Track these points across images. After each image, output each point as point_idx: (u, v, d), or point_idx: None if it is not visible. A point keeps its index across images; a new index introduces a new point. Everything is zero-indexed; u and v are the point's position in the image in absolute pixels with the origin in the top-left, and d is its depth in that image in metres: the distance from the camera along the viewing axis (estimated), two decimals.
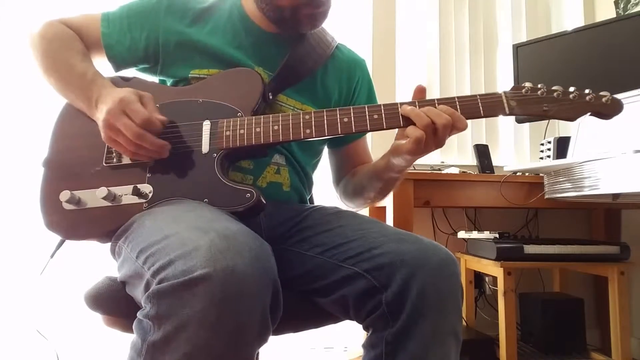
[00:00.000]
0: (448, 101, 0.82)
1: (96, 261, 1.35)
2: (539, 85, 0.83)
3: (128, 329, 0.80)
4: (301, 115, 0.85)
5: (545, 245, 1.68)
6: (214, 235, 0.61)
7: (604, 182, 1.36)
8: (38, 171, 0.90)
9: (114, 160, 0.87)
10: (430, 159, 2.07)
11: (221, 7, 1.02)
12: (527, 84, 0.84)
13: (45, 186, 0.88)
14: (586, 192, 1.42)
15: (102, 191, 0.82)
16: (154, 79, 1.01)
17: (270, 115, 0.85)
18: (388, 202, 1.59)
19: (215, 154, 0.84)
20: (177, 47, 0.96)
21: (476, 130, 2.26)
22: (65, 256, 0.91)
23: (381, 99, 0.95)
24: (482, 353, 1.78)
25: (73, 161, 0.89)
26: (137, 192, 0.83)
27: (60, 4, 1.76)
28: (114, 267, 0.83)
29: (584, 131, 1.49)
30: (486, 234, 1.85)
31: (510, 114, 0.83)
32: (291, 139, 0.84)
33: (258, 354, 0.90)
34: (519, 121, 1.98)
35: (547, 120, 2.05)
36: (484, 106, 0.82)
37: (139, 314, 0.62)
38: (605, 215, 2.09)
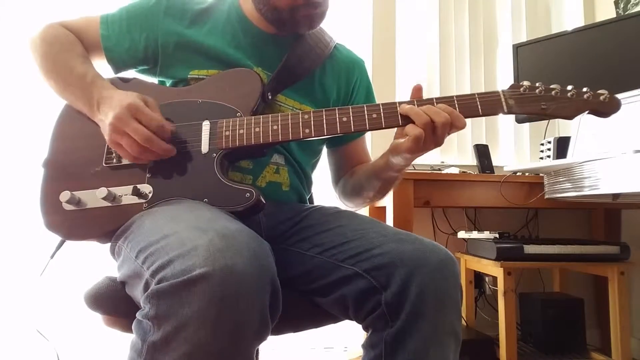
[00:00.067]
0: (447, 100, 0.82)
1: (96, 261, 1.35)
2: (537, 84, 0.84)
3: (128, 329, 0.80)
4: (300, 115, 0.85)
5: (545, 245, 1.68)
6: (213, 234, 0.61)
7: (604, 182, 1.36)
8: (38, 172, 0.90)
9: (114, 160, 0.87)
10: (430, 159, 2.07)
11: (219, 8, 1.02)
12: (525, 83, 0.84)
13: (45, 187, 0.89)
14: (586, 192, 1.42)
15: (102, 191, 0.82)
16: (153, 80, 1.01)
17: (270, 115, 0.86)
18: (388, 202, 1.59)
19: (215, 154, 0.84)
20: (176, 48, 0.96)
21: (476, 130, 2.26)
22: (65, 256, 0.91)
23: (381, 98, 0.95)
24: (482, 353, 1.78)
25: (73, 162, 0.89)
26: (136, 193, 0.83)
27: (60, 6, 1.76)
28: (114, 267, 0.83)
29: (584, 131, 1.49)
30: (486, 234, 1.85)
31: (508, 113, 0.83)
32: (290, 138, 0.85)
33: (258, 352, 0.90)
34: (518, 121, 1.98)
35: (547, 120, 2.05)
36: (482, 105, 0.82)
37: (139, 315, 0.62)
38: (605, 215, 2.09)
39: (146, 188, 0.84)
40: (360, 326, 0.81)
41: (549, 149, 1.82)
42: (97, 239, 0.86)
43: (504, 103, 0.83)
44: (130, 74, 1.02)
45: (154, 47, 0.97)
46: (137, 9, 0.98)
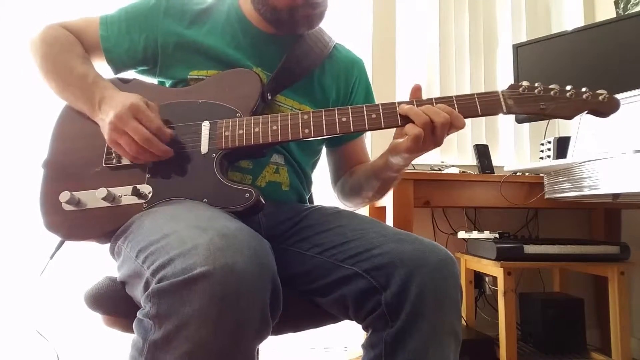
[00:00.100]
0: (446, 100, 0.83)
1: (96, 261, 1.35)
2: (536, 84, 0.84)
3: (128, 329, 0.80)
4: (299, 115, 0.85)
5: (545, 245, 1.68)
6: (213, 233, 0.61)
7: (604, 182, 1.36)
8: (38, 172, 0.90)
9: (114, 161, 0.87)
10: (430, 159, 2.07)
11: (219, 8, 1.02)
12: (525, 83, 0.84)
13: (45, 187, 0.89)
14: (586, 192, 1.42)
15: (102, 192, 0.82)
16: (153, 80, 1.01)
17: (269, 116, 0.86)
18: (388, 202, 1.59)
19: (215, 154, 0.85)
20: (175, 48, 0.96)
21: (476, 130, 2.26)
22: (65, 256, 0.91)
23: (381, 99, 0.95)
24: (482, 353, 1.78)
25: (73, 162, 0.89)
26: (136, 193, 0.83)
27: (60, 7, 1.76)
28: (114, 267, 0.83)
29: (584, 131, 1.49)
30: (486, 234, 1.85)
31: (508, 113, 0.83)
32: (290, 139, 0.85)
33: (258, 352, 0.90)
34: (518, 121, 1.98)
35: (547, 120, 2.05)
36: (481, 105, 0.83)
37: (139, 314, 0.62)
38: (605, 215, 2.09)
39: (146, 188, 0.84)
40: (360, 326, 0.81)
41: (549, 149, 1.82)
42: (97, 239, 0.86)
43: (503, 103, 0.83)
44: (130, 74, 1.02)
45: (154, 48, 0.97)
46: (137, 10, 0.98)
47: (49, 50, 0.94)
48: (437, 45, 2.25)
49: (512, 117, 2.03)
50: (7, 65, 1.74)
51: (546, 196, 1.65)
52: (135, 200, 0.83)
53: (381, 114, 0.83)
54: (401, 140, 0.82)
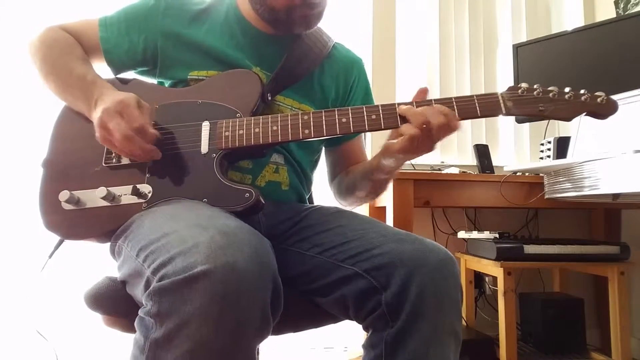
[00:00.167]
0: (445, 101, 0.83)
1: (96, 261, 1.35)
2: (535, 86, 0.84)
3: (128, 328, 0.80)
4: (300, 115, 0.85)
5: (545, 245, 1.68)
6: (214, 232, 0.62)
7: (604, 182, 1.36)
8: (37, 171, 0.90)
9: (114, 160, 0.87)
10: (430, 159, 2.07)
11: (218, 8, 1.02)
12: (523, 85, 0.84)
13: (44, 186, 0.89)
14: (586, 192, 1.43)
15: (102, 191, 0.82)
16: (152, 81, 1.01)
17: (269, 116, 0.86)
18: (388, 202, 1.59)
19: (215, 154, 0.85)
20: (175, 49, 0.96)
21: (476, 130, 2.26)
22: (65, 256, 0.91)
23: (381, 99, 0.95)
24: (482, 353, 1.78)
25: (72, 162, 0.89)
26: (136, 192, 0.83)
27: (60, 8, 1.76)
28: (114, 267, 0.83)
29: (584, 131, 1.49)
30: (486, 234, 1.85)
31: (507, 114, 0.84)
32: (290, 139, 0.85)
33: (258, 352, 0.90)
34: (518, 121, 1.98)
35: (547, 121, 2.05)
36: (480, 106, 0.83)
37: (141, 312, 0.62)
38: (605, 215, 2.09)
39: (146, 188, 0.84)
40: (360, 326, 0.81)
41: (549, 149, 1.82)
42: (97, 239, 0.86)
43: (502, 105, 0.83)
44: (130, 75, 1.02)
45: (153, 49, 0.97)
46: (136, 11, 0.98)
47: (49, 52, 0.94)
48: (437, 45, 2.25)
49: (512, 117, 2.03)
50: (7, 66, 1.74)
51: (546, 196, 1.65)
52: (135, 199, 0.83)
53: (381, 115, 0.83)
54: (395, 141, 0.82)
